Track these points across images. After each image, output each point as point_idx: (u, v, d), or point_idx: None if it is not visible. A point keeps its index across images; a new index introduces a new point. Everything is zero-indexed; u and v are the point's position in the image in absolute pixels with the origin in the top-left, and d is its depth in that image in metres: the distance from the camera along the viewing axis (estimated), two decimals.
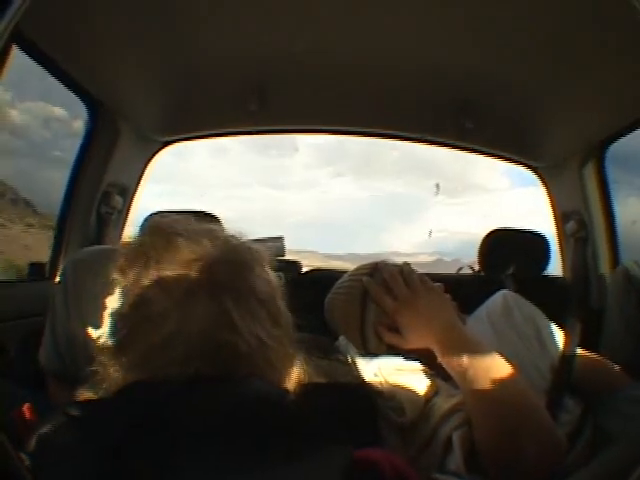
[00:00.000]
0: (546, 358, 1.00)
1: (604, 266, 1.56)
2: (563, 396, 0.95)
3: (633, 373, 0.98)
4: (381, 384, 0.75)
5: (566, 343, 1.02)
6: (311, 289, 0.92)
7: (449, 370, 0.76)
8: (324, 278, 1.14)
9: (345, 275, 0.96)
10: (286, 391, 0.48)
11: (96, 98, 1.51)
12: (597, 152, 1.54)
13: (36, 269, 1.57)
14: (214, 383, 0.44)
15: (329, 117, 1.81)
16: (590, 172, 1.56)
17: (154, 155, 1.88)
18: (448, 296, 0.87)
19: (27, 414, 0.51)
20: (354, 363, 0.80)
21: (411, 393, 0.74)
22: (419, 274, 0.90)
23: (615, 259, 1.52)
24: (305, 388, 0.51)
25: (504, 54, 1.26)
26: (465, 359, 0.72)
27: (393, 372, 0.78)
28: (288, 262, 1.77)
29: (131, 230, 1.87)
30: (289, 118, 1.83)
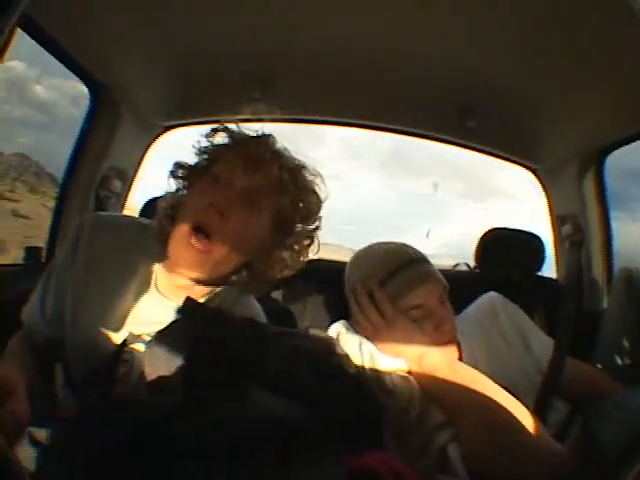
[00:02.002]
0: (533, 362, 1.01)
1: (597, 271, 1.58)
2: (552, 399, 0.96)
3: (628, 379, 0.97)
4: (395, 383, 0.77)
5: (557, 345, 1.02)
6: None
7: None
8: (325, 269, 1.15)
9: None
10: (288, 404, 0.48)
11: (98, 81, 1.48)
12: (596, 159, 1.56)
13: (32, 253, 1.53)
14: (217, 401, 0.44)
15: (331, 109, 1.80)
16: (589, 178, 1.57)
17: (155, 140, 1.86)
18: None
19: None
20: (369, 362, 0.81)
21: (418, 394, 0.75)
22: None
23: (609, 265, 1.54)
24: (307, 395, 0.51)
25: (506, 56, 1.26)
26: (440, 386, 0.75)
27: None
28: None
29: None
30: (292, 108, 1.81)
